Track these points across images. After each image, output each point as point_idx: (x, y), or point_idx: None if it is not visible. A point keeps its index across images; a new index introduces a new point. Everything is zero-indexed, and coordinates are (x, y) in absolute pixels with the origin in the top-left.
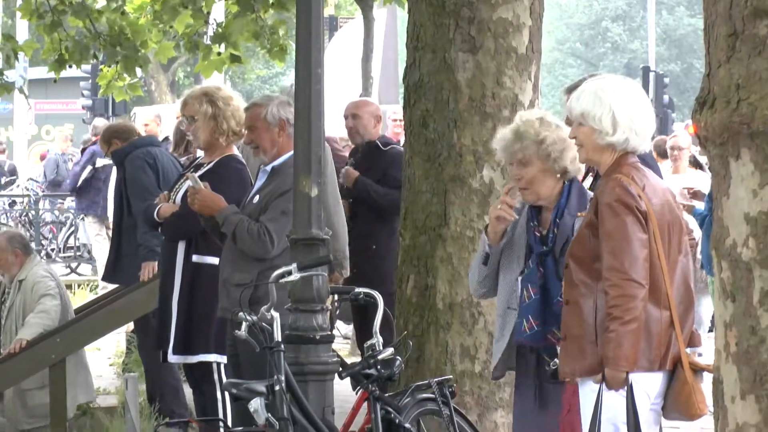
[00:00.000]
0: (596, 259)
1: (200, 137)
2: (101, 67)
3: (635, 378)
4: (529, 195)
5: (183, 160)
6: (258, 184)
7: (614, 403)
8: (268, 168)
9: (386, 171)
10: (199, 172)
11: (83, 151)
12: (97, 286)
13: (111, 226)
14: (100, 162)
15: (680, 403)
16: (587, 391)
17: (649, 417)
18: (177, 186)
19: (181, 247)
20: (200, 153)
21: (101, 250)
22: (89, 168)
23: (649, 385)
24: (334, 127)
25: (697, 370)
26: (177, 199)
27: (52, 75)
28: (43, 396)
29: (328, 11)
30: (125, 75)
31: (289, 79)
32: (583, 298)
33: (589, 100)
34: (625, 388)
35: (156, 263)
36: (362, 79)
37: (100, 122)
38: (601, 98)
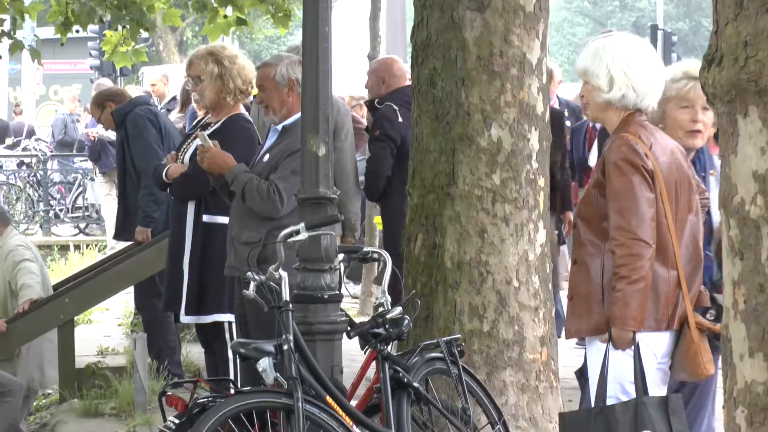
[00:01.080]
0: (604, 218)
1: (207, 97)
2: (105, 32)
3: (642, 337)
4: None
5: (180, 123)
6: (268, 143)
7: (621, 362)
8: (279, 127)
9: (374, 127)
10: (207, 132)
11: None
12: (105, 247)
13: None
14: None
15: (687, 363)
16: (594, 350)
17: (655, 376)
18: (185, 146)
19: (191, 207)
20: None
21: (110, 210)
22: (99, 125)
23: (655, 344)
24: (343, 86)
25: (704, 329)
26: (185, 159)
27: (59, 36)
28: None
29: None
30: (130, 40)
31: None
32: (590, 257)
33: (589, 57)
34: (632, 347)
35: (149, 230)
36: (370, 37)
37: (106, 82)
38: (600, 56)
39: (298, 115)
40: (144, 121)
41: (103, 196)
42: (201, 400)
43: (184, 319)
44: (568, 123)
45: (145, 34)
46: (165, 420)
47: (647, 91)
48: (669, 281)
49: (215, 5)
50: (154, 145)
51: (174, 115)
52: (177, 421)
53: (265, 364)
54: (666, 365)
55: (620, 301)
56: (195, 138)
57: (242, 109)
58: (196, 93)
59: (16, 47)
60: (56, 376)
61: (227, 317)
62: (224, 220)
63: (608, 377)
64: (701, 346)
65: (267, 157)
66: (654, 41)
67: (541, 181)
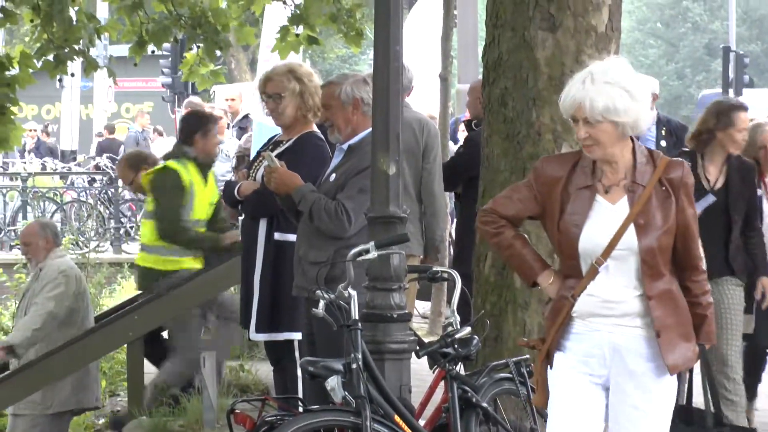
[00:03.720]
0: (671, 246)
1: (287, 114)
2: (185, 54)
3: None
4: None
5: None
6: (334, 162)
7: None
8: (345, 146)
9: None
10: (278, 150)
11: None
12: None
13: None
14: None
15: None
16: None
17: None
18: (257, 164)
19: (263, 225)
20: None
21: None
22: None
23: None
24: (416, 105)
25: None
26: (257, 176)
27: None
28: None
29: None
30: (207, 60)
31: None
32: (673, 285)
33: (617, 94)
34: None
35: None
36: (442, 57)
37: (196, 99)
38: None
39: (364, 133)
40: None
41: None
42: (269, 418)
43: (255, 336)
44: (663, 143)
45: (218, 51)
46: None
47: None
48: None
49: (286, 23)
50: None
51: (244, 139)
52: None
53: (333, 382)
54: None
55: (713, 319)
56: (263, 155)
57: (315, 128)
58: (270, 111)
59: (91, 67)
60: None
61: (299, 336)
62: (295, 238)
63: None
64: None
65: (333, 176)
66: (726, 63)
67: None
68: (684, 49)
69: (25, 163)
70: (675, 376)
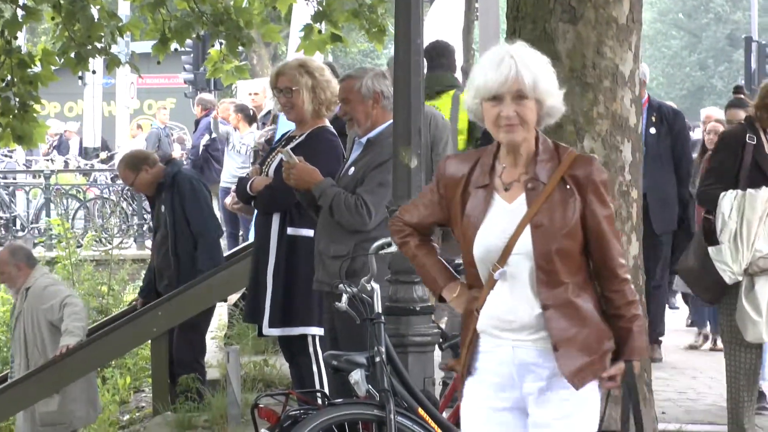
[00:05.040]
0: (583, 249)
1: (299, 107)
2: (209, 51)
3: None
4: None
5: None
6: (353, 155)
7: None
8: (363, 140)
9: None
10: (291, 145)
11: (197, 123)
12: None
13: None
14: (222, 128)
15: None
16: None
17: None
18: (269, 159)
19: (276, 220)
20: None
21: None
22: (206, 137)
23: None
24: None
25: None
26: (270, 171)
27: (152, 48)
28: (51, 404)
29: None
30: (231, 57)
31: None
32: (577, 297)
33: (538, 68)
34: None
35: None
36: (463, 50)
37: (208, 96)
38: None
39: (383, 127)
40: (199, 183)
41: None
42: (293, 413)
43: (268, 331)
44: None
45: (240, 47)
46: None
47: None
48: None
49: (310, 21)
50: (211, 208)
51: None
52: None
53: (357, 376)
54: None
55: (643, 332)
56: (279, 152)
57: (327, 122)
58: (282, 105)
59: (113, 63)
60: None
61: (313, 330)
62: (309, 233)
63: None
64: None
65: (352, 170)
66: (748, 53)
67: (634, 193)
68: (706, 40)
69: (48, 160)
70: (597, 392)
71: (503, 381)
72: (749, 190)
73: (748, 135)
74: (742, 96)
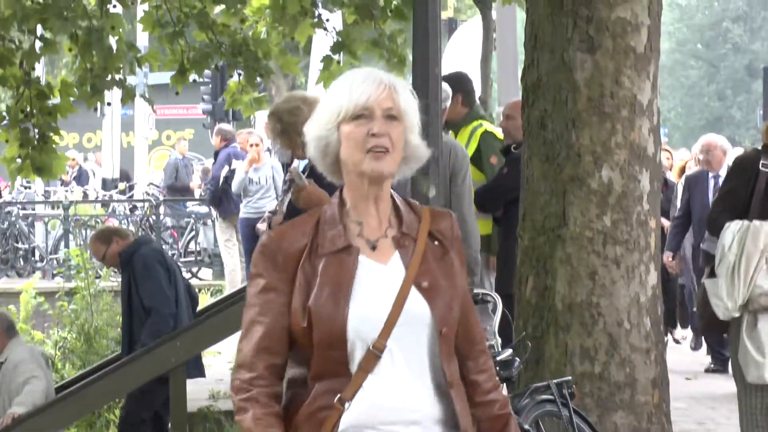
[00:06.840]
0: None
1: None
2: (228, 82)
3: None
4: None
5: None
6: None
7: None
8: None
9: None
10: (301, 167)
11: (216, 154)
12: (218, 291)
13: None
14: (236, 164)
15: None
16: None
17: None
18: (284, 197)
19: None
20: None
21: (230, 255)
22: (226, 168)
23: None
24: None
25: None
26: (284, 207)
27: (170, 79)
28: None
29: (447, 14)
30: (249, 88)
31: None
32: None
33: (407, 91)
34: None
35: None
36: (481, 79)
37: (227, 127)
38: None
39: None
40: (153, 262)
41: (223, 241)
42: None
43: None
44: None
45: (258, 78)
46: None
47: None
48: None
49: (329, 52)
50: (164, 285)
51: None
52: None
53: None
54: None
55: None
56: (290, 173)
57: None
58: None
59: (128, 96)
60: None
61: None
62: None
63: None
64: None
65: None
66: (767, 83)
67: (652, 223)
68: (725, 70)
69: (66, 191)
70: None
71: None
72: (754, 222)
73: (762, 162)
74: None
